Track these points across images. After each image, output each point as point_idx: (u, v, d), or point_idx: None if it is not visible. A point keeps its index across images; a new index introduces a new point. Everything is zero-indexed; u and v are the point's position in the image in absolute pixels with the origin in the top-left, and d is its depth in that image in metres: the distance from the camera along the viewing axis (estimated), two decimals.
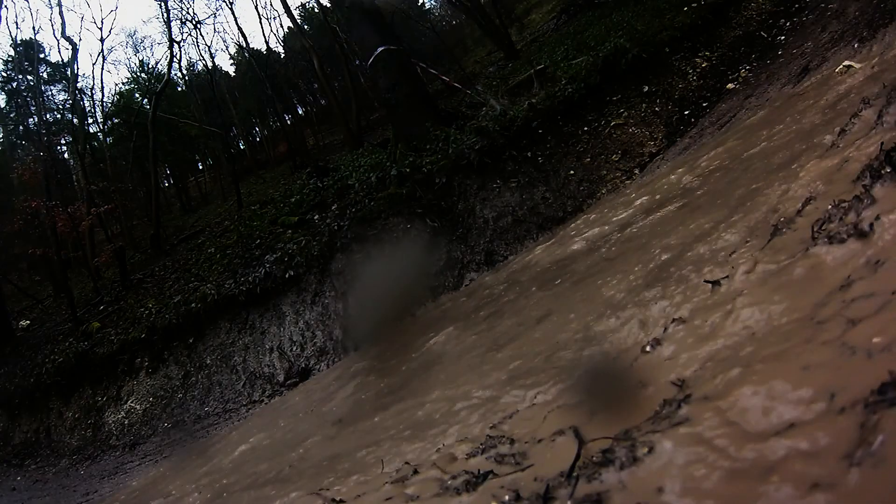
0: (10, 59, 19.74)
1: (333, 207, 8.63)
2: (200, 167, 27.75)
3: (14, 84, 20.78)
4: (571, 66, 8.76)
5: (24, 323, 13.66)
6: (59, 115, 20.83)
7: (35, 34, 21.94)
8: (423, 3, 27.26)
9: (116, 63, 41.50)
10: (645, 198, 5.55)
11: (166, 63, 19.15)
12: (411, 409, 3.99)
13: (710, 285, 2.74)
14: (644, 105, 7.66)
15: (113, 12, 40.27)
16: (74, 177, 19.77)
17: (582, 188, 7.13)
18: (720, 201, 4.09)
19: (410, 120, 9.29)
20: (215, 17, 38.69)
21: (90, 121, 20.83)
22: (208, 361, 7.88)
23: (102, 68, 35.92)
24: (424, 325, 5.97)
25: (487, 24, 15.41)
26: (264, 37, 50.90)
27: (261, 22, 45.13)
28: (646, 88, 7.80)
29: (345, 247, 7.54)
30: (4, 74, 20.44)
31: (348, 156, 13.36)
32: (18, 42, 19.25)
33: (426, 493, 2.37)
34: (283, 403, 6.61)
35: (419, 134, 8.81)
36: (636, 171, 7.03)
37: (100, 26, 29.08)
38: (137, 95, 22.33)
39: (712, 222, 3.76)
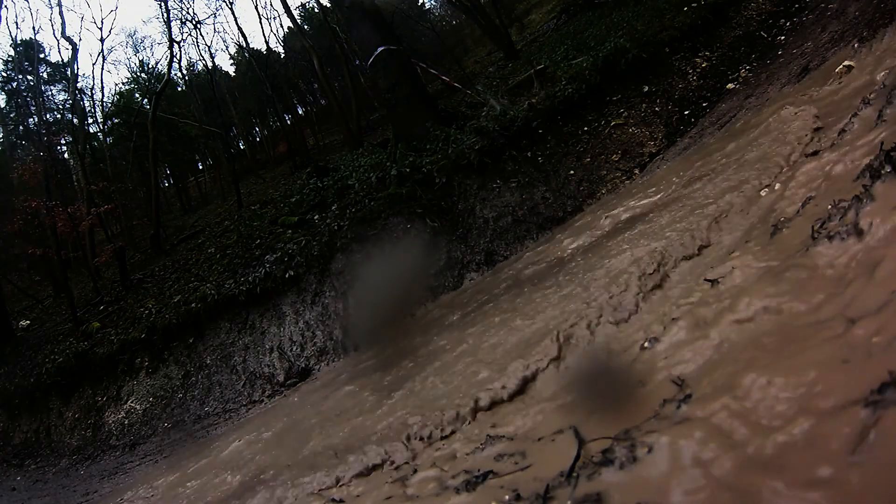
0: (10, 59, 19.72)
1: (333, 207, 8.62)
2: (200, 167, 27.74)
3: (14, 84, 20.74)
4: (571, 66, 8.76)
5: (24, 323, 13.64)
6: (59, 115, 20.81)
7: (35, 34, 21.91)
8: (423, 3, 27.29)
9: (116, 63, 41.18)
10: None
11: (166, 63, 19.14)
12: (411, 407, 3.99)
13: (708, 284, 2.74)
14: (644, 105, 7.66)
15: (113, 12, 40.17)
16: (74, 177, 19.74)
17: (582, 188, 7.13)
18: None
19: (410, 120, 9.28)
20: (215, 17, 38.55)
21: (90, 121, 20.81)
22: (208, 361, 7.87)
23: (102, 68, 35.79)
24: (424, 326, 5.97)
25: (487, 24, 15.41)
26: (264, 37, 50.64)
27: (261, 22, 44.99)
28: (646, 88, 7.80)
29: (345, 247, 7.53)
30: (4, 74, 20.41)
31: (348, 156, 13.34)
32: (18, 42, 19.24)
33: (426, 493, 2.37)
34: (282, 403, 6.61)
35: (419, 134, 8.80)
36: (636, 171, 7.04)
37: (100, 26, 29.02)
38: (137, 95, 22.33)
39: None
